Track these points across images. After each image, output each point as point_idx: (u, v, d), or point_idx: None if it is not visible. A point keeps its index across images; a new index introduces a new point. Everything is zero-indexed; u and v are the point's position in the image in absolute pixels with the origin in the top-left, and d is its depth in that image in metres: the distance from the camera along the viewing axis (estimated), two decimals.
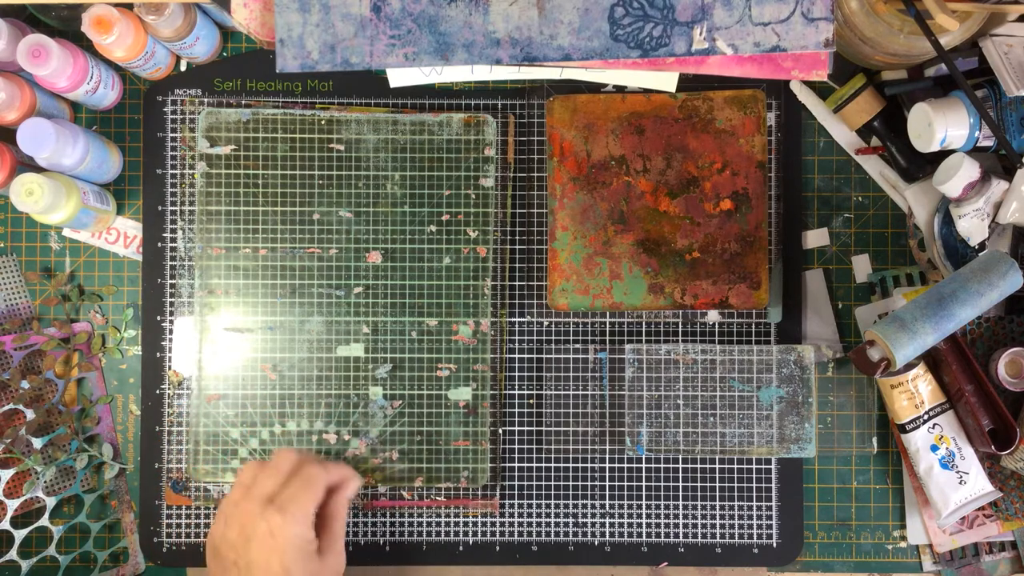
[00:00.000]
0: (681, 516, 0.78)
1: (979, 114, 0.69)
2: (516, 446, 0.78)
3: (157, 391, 0.78)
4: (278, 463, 0.67)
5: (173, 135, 0.79)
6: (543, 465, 0.78)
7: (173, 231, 0.78)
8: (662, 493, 0.78)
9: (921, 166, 0.76)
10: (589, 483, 0.78)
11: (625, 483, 0.78)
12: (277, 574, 0.63)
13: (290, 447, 0.75)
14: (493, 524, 0.78)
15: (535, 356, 0.78)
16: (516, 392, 0.78)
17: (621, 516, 0.78)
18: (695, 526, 0.78)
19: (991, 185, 0.70)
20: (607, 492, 0.78)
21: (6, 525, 0.76)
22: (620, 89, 0.78)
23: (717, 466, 0.78)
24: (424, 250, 0.77)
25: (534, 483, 0.78)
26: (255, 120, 0.77)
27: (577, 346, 0.78)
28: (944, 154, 0.71)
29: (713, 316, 0.78)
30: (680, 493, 0.78)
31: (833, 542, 0.79)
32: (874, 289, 0.79)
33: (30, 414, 0.76)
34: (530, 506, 0.78)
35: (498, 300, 0.78)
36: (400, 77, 0.78)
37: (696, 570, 0.78)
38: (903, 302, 0.76)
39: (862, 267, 0.79)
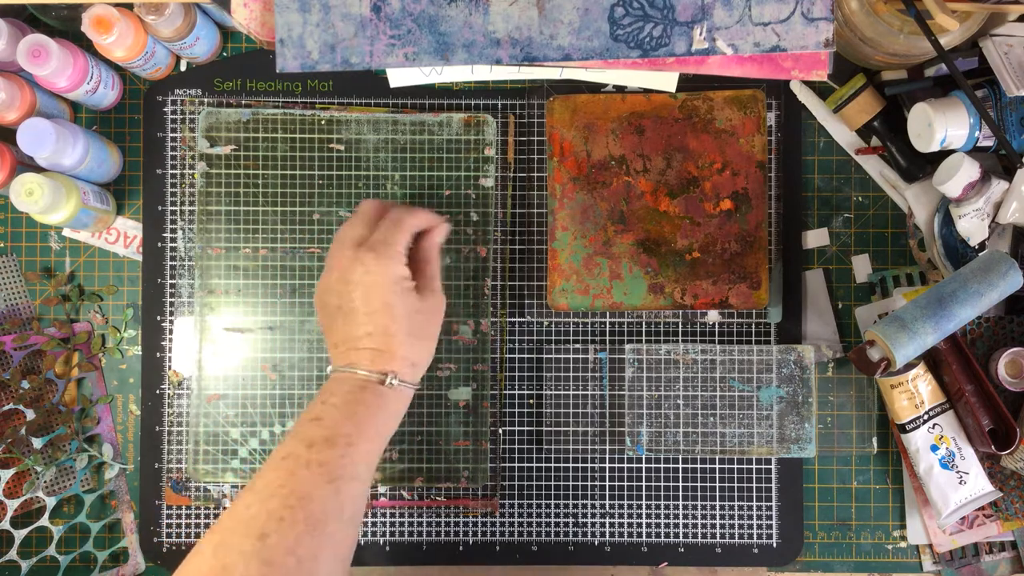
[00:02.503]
0: (681, 516, 0.78)
1: (979, 114, 0.69)
2: (516, 446, 0.78)
3: (157, 391, 0.78)
4: (363, 210, 0.68)
5: (173, 135, 0.79)
6: (543, 465, 0.78)
7: (173, 231, 0.78)
8: (662, 493, 0.78)
9: (921, 166, 0.76)
10: (589, 483, 0.78)
11: (625, 483, 0.78)
12: (379, 310, 0.63)
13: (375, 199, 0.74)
14: (493, 524, 0.78)
15: (535, 356, 0.78)
16: (516, 392, 0.78)
17: (621, 516, 0.78)
18: (695, 526, 0.78)
19: (991, 185, 0.70)
20: (607, 492, 0.78)
21: (6, 525, 0.76)
22: (620, 89, 0.78)
23: (717, 466, 0.78)
24: None
25: (534, 483, 0.78)
26: (255, 120, 0.77)
27: (577, 346, 0.78)
28: (944, 154, 0.71)
29: (713, 316, 0.78)
30: (680, 493, 0.78)
31: (833, 542, 0.79)
32: (874, 289, 0.79)
33: (30, 414, 0.76)
34: (530, 506, 0.78)
35: (498, 300, 0.78)
36: (400, 77, 0.78)
37: (696, 570, 0.78)
38: (903, 302, 0.76)
39: (862, 267, 0.79)
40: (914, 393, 0.74)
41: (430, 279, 0.68)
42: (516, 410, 0.78)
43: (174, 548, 0.78)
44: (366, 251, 0.64)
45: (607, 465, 0.78)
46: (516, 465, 0.78)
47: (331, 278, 0.65)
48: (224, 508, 0.77)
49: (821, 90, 0.78)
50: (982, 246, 0.72)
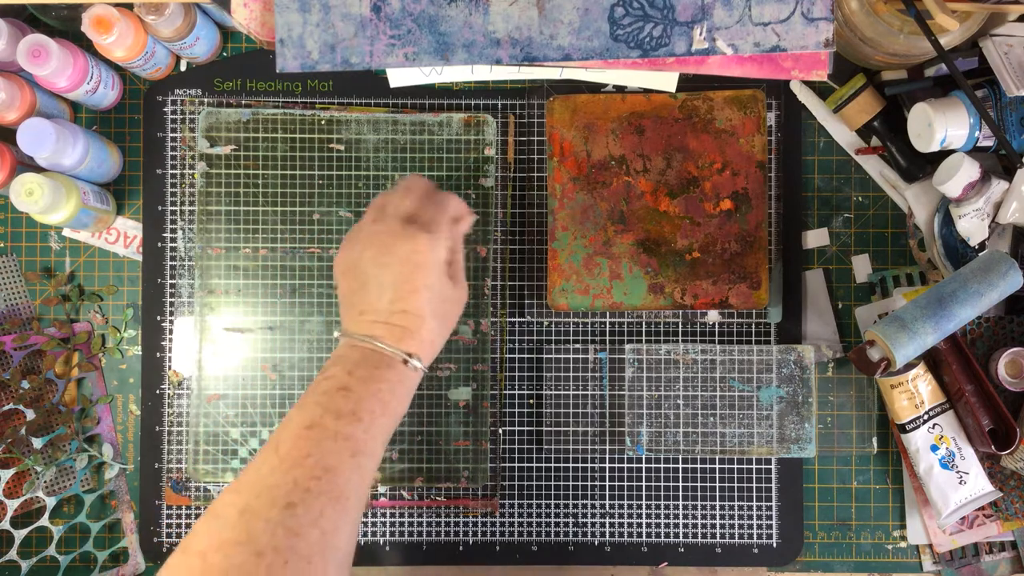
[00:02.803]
0: (681, 516, 0.78)
1: (979, 114, 0.69)
2: (516, 446, 0.78)
3: (157, 391, 0.78)
4: (411, 184, 0.66)
5: (173, 135, 0.79)
6: (543, 465, 0.78)
7: (173, 231, 0.78)
8: (662, 493, 0.78)
9: (921, 166, 0.76)
10: (589, 483, 0.78)
11: (625, 483, 0.78)
12: (418, 290, 0.63)
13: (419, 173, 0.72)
14: (493, 524, 0.78)
15: (535, 356, 0.78)
16: (516, 392, 0.78)
17: (621, 516, 0.78)
18: (695, 526, 0.78)
19: (991, 185, 0.70)
20: (607, 492, 0.78)
21: (6, 525, 0.76)
22: (620, 89, 0.78)
23: (717, 466, 0.78)
24: None
25: (534, 483, 0.78)
26: (255, 120, 0.77)
27: (577, 346, 0.78)
28: (944, 154, 0.71)
29: (713, 316, 0.78)
30: (680, 493, 0.78)
31: (833, 542, 0.79)
32: (874, 289, 0.79)
33: (30, 414, 0.76)
34: (530, 506, 0.78)
35: (498, 300, 0.78)
36: (400, 77, 0.78)
37: (696, 570, 0.78)
38: (903, 302, 0.76)
39: (862, 267, 0.79)
40: (914, 393, 0.74)
41: (458, 269, 0.67)
42: (516, 410, 0.78)
43: (174, 548, 0.78)
44: (418, 230, 0.63)
45: (607, 465, 0.78)
46: (516, 465, 0.78)
47: (369, 251, 0.64)
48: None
49: (821, 90, 0.78)
50: (982, 246, 0.72)
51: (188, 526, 0.78)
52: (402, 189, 0.66)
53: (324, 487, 0.56)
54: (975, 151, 0.72)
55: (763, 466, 0.78)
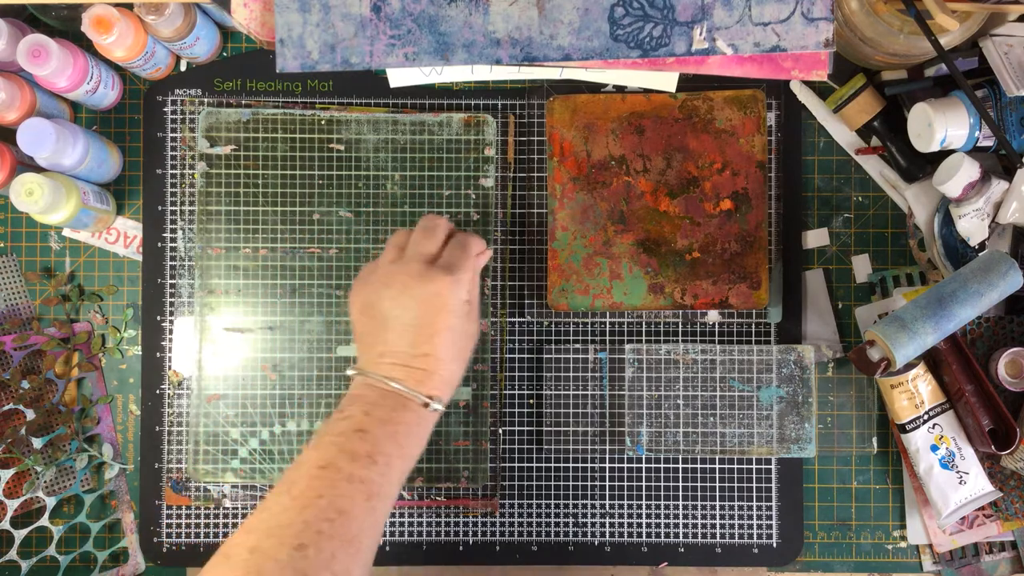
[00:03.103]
0: (681, 516, 0.78)
1: (979, 114, 0.69)
2: (516, 446, 0.78)
3: (157, 391, 0.78)
4: (431, 224, 0.66)
5: (173, 135, 0.79)
6: (543, 465, 0.78)
7: (173, 231, 0.78)
8: (662, 493, 0.78)
9: (921, 166, 0.76)
10: (589, 483, 0.78)
11: (625, 483, 0.78)
12: (440, 333, 0.62)
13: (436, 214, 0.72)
14: (493, 524, 0.78)
15: (535, 356, 0.78)
16: (516, 392, 0.78)
17: (621, 516, 0.78)
18: (695, 526, 0.78)
19: (991, 185, 0.70)
20: (607, 492, 0.78)
21: (6, 525, 0.76)
22: (620, 89, 0.78)
23: (717, 466, 0.78)
24: None
25: (534, 483, 0.78)
26: (255, 120, 0.77)
27: (577, 346, 0.78)
28: (944, 154, 0.71)
29: (713, 316, 0.78)
30: (680, 493, 0.78)
31: (833, 542, 0.79)
32: (874, 289, 0.79)
33: (30, 414, 0.76)
34: (530, 506, 0.78)
35: (498, 300, 0.78)
36: (400, 77, 0.78)
37: (696, 570, 0.78)
38: (903, 302, 0.76)
39: (862, 267, 0.79)
40: (914, 393, 0.74)
41: (475, 306, 0.67)
42: (516, 410, 0.78)
43: (174, 548, 0.78)
44: (441, 272, 0.63)
45: (607, 465, 0.78)
46: (516, 465, 0.78)
47: (391, 289, 0.63)
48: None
49: (821, 90, 0.78)
50: (982, 246, 0.72)
51: (188, 526, 0.78)
52: (422, 229, 0.66)
53: (337, 530, 0.55)
54: (975, 151, 0.72)
55: (763, 466, 0.78)
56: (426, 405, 0.61)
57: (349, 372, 0.64)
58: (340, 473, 0.57)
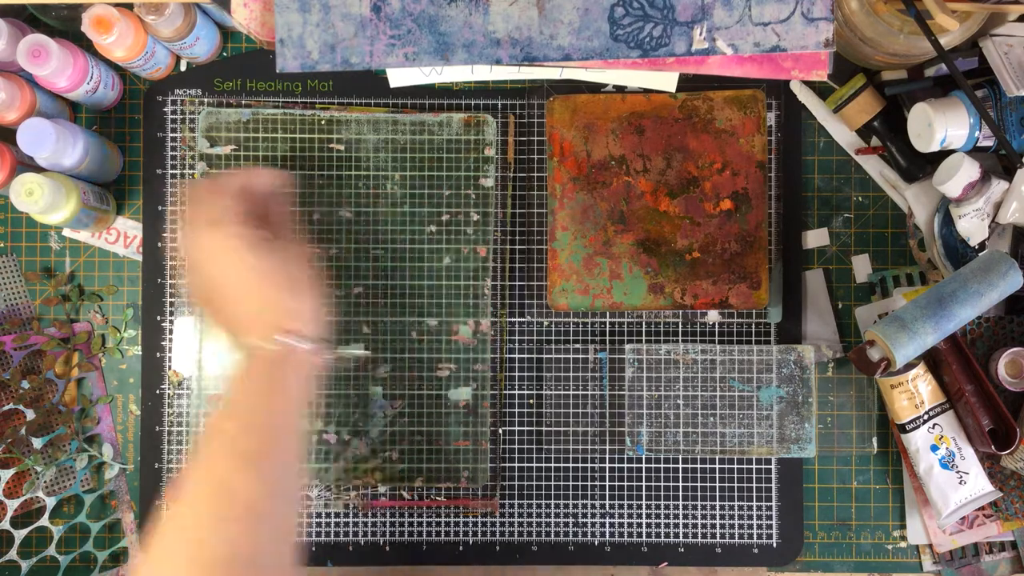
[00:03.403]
0: (681, 516, 0.78)
1: (979, 114, 0.69)
2: (516, 446, 0.78)
3: (157, 391, 0.78)
4: (191, 194, 0.67)
5: (173, 135, 0.78)
6: (543, 465, 0.78)
7: (173, 231, 0.78)
8: (662, 493, 0.78)
9: (921, 166, 0.76)
10: (589, 483, 0.78)
11: (625, 483, 0.78)
12: (246, 282, 0.62)
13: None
14: (493, 524, 0.78)
15: (535, 356, 0.78)
16: (516, 392, 0.78)
17: (621, 516, 0.78)
18: (695, 526, 0.78)
19: (991, 185, 0.70)
20: (607, 492, 0.78)
21: (6, 525, 0.76)
22: (620, 89, 0.78)
23: (717, 466, 0.78)
24: (424, 250, 0.77)
25: (534, 483, 0.78)
26: (255, 120, 0.77)
27: (577, 346, 0.78)
28: (944, 154, 0.71)
29: (713, 316, 0.78)
30: (680, 493, 0.78)
31: (833, 542, 0.79)
32: (874, 289, 0.79)
33: (30, 414, 0.76)
34: (530, 506, 0.78)
35: (498, 300, 0.78)
36: (400, 77, 0.78)
37: (696, 570, 0.78)
38: (903, 302, 0.76)
39: (862, 267, 0.79)
40: (914, 393, 0.74)
41: (284, 229, 0.66)
42: (516, 410, 0.78)
43: None
44: (208, 230, 0.63)
45: (607, 465, 0.78)
46: (516, 465, 0.78)
47: (193, 269, 0.64)
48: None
49: (821, 90, 0.78)
50: (982, 246, 0.72)
51: None
52: (189, 203, 0.66)
53: (231, 512, 0.56)
54: (975, 151, 0.72)
55: (763, 466, 0.78)
56: (291, 349, 0.61)
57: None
58: (215, 457, 0.58)
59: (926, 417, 0.74)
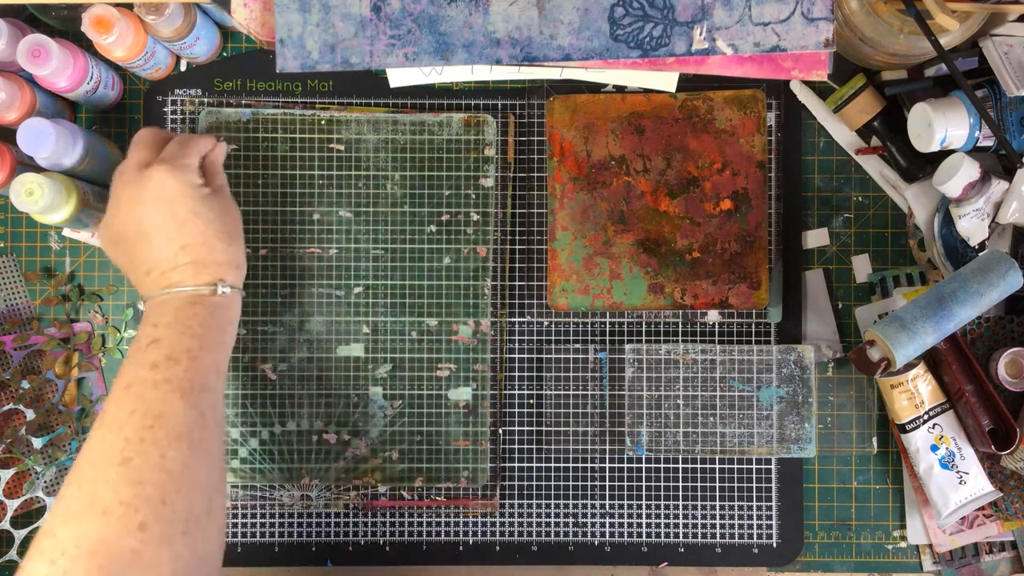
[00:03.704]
0: (681, 516, 0.78)
1: (979, 114, 0.69)
2: (516, 446, 0.78)
3: None
4: (141, 138, 0.67)
5: None
6: (543, 465, 0.78)
7: None
8: (662, 493, 0.78)
9: (921, 166, 0.76)
10: (589, 483, 0.78)
11: (625, 483, 0.78)
12: (188, 219, 0.63)
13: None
14: (493, 524, 0.78)
15: (535, 356, 0.78)
16: (516, 392, 0.78)
17: (621, 516, 0.78)
18: (695, 526, 0.78)
19: (991, 185, 0.70)
20: (607, 492, 0.78)
21: (6, 525, 0.76)
22: (620, 89, 0.78)
23: (717, 466, 0.78)
24: (424, 250, 0.77)
25: (534, 483, 0.78)
26: (255, 120, 0.77)
27: (577, 346, 0.78)
28: (944, 154, 0.71)
29: (713, 316, 0.78)
30: (680, 493, 0.78)
31: (833, 542, 0.79)
32: (874, 289, 0.79)
33: (30, 414, 0.76)
34: (530, 506, 0.78)
35: (498, 300, 0.78)
36: (400, 77, 0.78)
37: (696, 570, 0.78)
38: (903, 302, 0.76)
39: (862, 267, 0.79)
40: (914, 393, 0.74)
41: (221, 186, 0.68)
42: (516, 410, 0.78)
43: None
44: (157, 165, 0.63)
45: (607, 465, 0.78)
46: (516, 465, 0.78)
47: (121, 208, 0.64)
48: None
49: (821, 90, 0.78)
50: (982, 246, 0.72)
51: None
52: (132, 147, 0.67)
53: (159, 433, 0.57)
54: (975, 151, 0.72)
55: (763, 466, 0.78)
56: (213, 292, 0.63)
57: (139, 306, 0.65)
58: (144, 384, 0.59)
59: (926, 417, 0.74)
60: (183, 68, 0.79)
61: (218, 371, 0.63)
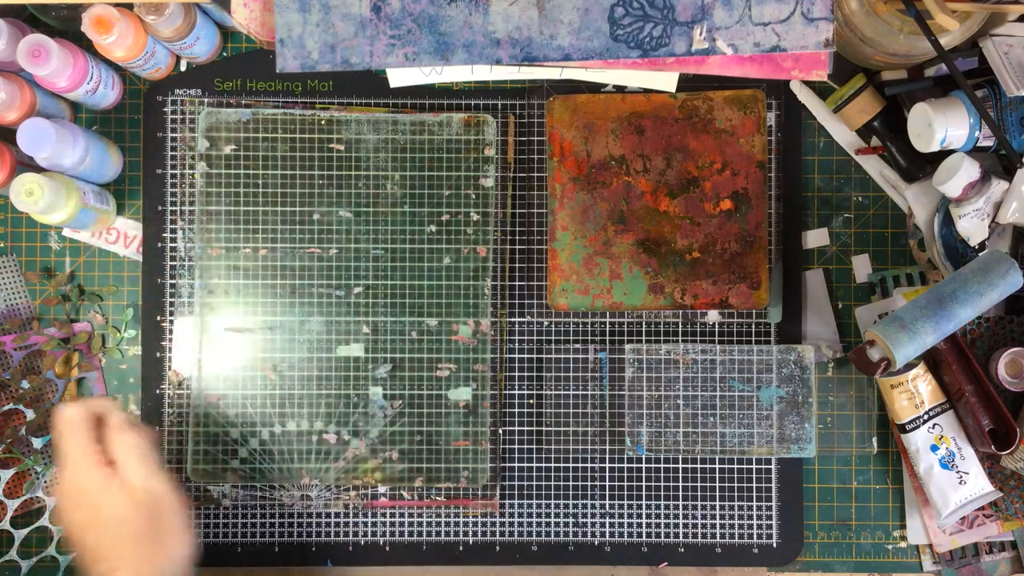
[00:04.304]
0: (681, 516, 0.78)
1: (979, 114, 0.69)
2: (516, 446, 0.78)
3: (157, 391, 0.78)
4: (55, 426, 0.65)
5: (173, 135, 0.78)
6: (543, 465, 0.78)
7: (173, 231, 0.78)
8: (662, 493, 0.78)
9: (921, 166, 0.76)
10: (589, 483, 0.78)
11: (625, 483, 0.78)
12: (88, 532, 0.61)
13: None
14: (493, 524, 0.78)
15: (535, 356, 0.78)
16: (516, 392, 0.78)
17: (621, 516, 0.78)
18: (695, 526, 0.78)
19: (991, 185, 0.70)
20: (607, 492, 0.78)
21: (6, 525, 0.76)
22: (620, 89, 0.78)
23: (717, 466, 0.78)
24: (424, 250, 0.77)
25: (534, 483, 0.78)
26: (255, 120, 0.77)
27: (577, 346, 0.78)
28: (944, 154, 0.71)
29: (713, 316, 0.78)
30: (680, 493, 0.78)
31: (833, 542, 0.79)
32: (874, 289, 0.79)
33: (30, 414, 0.76)
34: (530, 506, 0.78)
35: (498, 300, 0.78)
36: (400, 77, 0.78)
37: (696, 570, 0.78)
38: (903, 302, 0.76)
39: (862, 267, 0.79)
40: (914, 393, 0.74)
41: (135, 471, 0.62)
42: (516, 410, 0.78)
43: None
44: (60, 470, 0.62)
45: (607, 465, 0.78)
46: (516, 465, 0.78)
47: (65, 513, 0.63)
48: (223, 507, 0.77)
49: (821, 90, 0.78)
50: (982, 246, 0.72)
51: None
52: (54, 433, 0.65)
53: None
54: (975, 151, 0.72)
55: (763, 466, 0.78)
56: None
57: None
58: None
59: (926, 417, 0.74)
60: (183, 68, 0.79)
61: None
